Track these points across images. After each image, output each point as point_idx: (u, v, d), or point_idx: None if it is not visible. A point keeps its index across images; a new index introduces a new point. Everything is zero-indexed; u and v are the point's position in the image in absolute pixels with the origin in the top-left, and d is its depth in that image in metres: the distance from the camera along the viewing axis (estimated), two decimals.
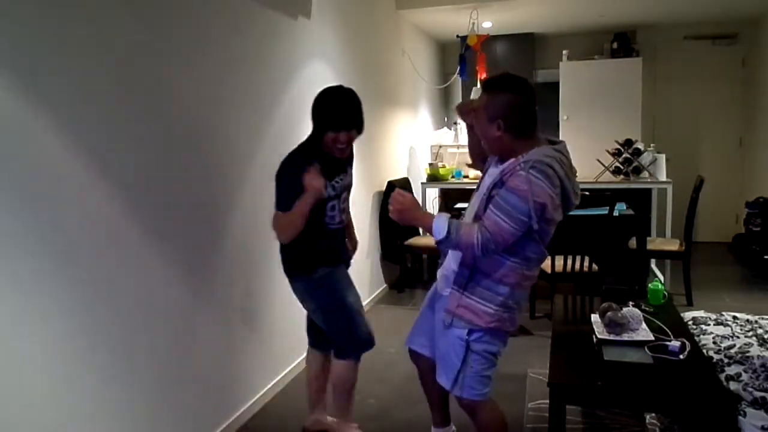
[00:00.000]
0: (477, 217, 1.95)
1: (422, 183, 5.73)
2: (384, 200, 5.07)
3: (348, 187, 2.54)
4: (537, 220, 1.85)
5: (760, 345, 2.34)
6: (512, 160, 1.92)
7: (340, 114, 2.31)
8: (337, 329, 2.48)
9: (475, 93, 5.97)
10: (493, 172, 2.01)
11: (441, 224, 1.89)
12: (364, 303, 4.56)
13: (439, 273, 2.21)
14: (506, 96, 1.93)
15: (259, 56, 3.12)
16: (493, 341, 2.05)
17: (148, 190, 2.27)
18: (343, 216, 2.52)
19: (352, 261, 2.71)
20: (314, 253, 2.41)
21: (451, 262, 2.12)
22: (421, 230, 5.74)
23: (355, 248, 2.77)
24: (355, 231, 2.78)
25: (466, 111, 2.24)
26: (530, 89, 1.97)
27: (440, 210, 2.87)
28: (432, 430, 2.51)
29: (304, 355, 3.53)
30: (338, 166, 2.44)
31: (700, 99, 6.84)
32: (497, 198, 1.87)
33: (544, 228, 1.94)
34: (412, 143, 6.04)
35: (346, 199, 2.54)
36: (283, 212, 2.29)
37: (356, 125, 2.36)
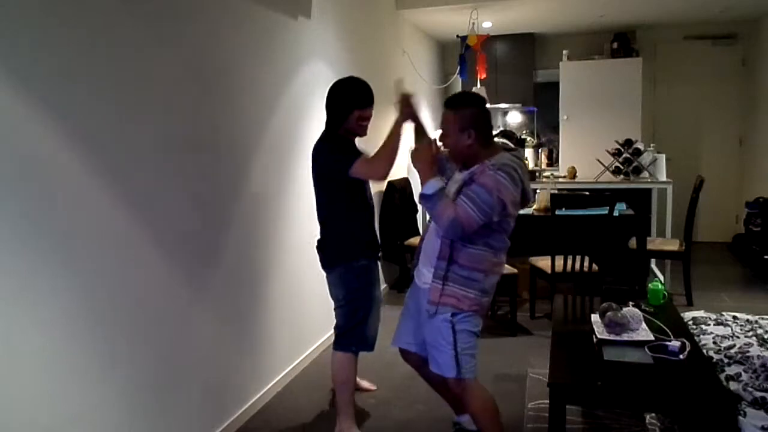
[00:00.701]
0: None
1: None
2: (384, 200, 5.07)
3: None
4: (498, 214, 2.14)
5: (760, 345, 2.34)
6: (478, 165, 2.19)
7: (364, 92, 2.57)
8: (351, 320, 2.63)
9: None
10: (459, 177, 2.26)
11: (435, 184, 2.18)
12: None
13: (415, 271, 2.43)
14: (472, 109, 2.24)
15: (259, 56, 3.12)
16: (475, 322, 2.28)
17: (147, 191, 2.27)
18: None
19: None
20: (358, 241, 2.60)
21: (426, 258, 2.33)
22: (420, 229, 5.74)
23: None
24: None
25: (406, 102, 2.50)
26: (485, 102, 2.36)
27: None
28: (455, 418, 2.71)
29: (304, 354, 3.55)
30: (357, 151, 2.61)
31: (700, 99, 6.84)
32: (467, 190, 2.13)
33: (506, 221, 2.24)
34: (412, 143, 6.02)
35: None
36: (360, 162, 2.48)
37: (373, 102, 2.61)
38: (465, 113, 2.22)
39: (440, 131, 2.29)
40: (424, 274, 2.31)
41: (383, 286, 5.17)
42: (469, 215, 2.09)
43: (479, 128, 2.21)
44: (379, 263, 2.73)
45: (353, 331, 2.64)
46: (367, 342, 2.67)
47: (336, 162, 2.51)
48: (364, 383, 3.18)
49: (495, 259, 2.27)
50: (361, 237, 2.62)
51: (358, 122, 2.56)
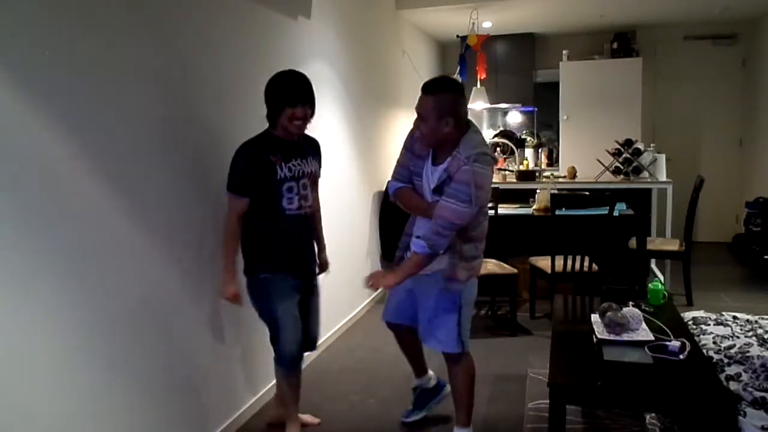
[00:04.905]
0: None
1: None
2: (384, 200, 5.07)
3: (310, 176, 2.56)
4: (482, 199, 2.26)
5: (760, 345, 2.34)
6: (450, 158, 2.23)
7: (295, 89, 2.39)
8: (270, 335, 2.56)
9: (476, 93, 5.98)
10: (435, 174, 2.31)
11: (419, 243, 2.26)
12: (363, 303, 4.61)
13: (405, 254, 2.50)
14: (450, 95, 2.23)
15: (259, 56, 3.11)
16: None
17: (147, 190, 2.27)
18: (306, 204, 2.53)
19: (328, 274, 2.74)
20: (265, 252, 2.48)
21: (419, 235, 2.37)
22: None
23: (324, 267, 2.81)
24: (331, 245, 2.72)
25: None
26: (463, 88, 2.35)
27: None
28: (414, 381, 2.87)
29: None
30: (296, 150, 2.51)
31: (700, 99, 6.84)
32: (449, 189, 2.20)
33: (484, 199, 2.32)
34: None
35: (308, 188, 2.54)
36: (233, 194, 2.44)
37: (310, 101, 2.44)
38: (443, 99, 2.21)
39: (419, 116, 2.27)
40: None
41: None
42: (460, 213, 2.18)
43: (457, 115, 2.23)
44: (291, 280, 2.53)
45: (273, 344, 2.56)
46: (281, 359, 2.55)
47: (229, 174, 2.46)
48: (306, 417, 2.85)
49: (485, 225, 2.43)
50: (270, 245, 2.49)
51: (291, 121, 2.41)
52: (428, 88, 2.25)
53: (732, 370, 2.18)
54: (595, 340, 2.37)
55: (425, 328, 2.47)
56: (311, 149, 2.63)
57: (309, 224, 2.59)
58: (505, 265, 4.13)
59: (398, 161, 2.51)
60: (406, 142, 2.48)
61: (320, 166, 2.68)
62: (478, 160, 2.17)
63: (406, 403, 3.02)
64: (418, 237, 2.32)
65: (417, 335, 2.58)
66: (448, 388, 2.73)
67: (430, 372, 2.88)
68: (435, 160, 2.35)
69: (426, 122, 2.24)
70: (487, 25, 6.15)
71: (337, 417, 2.95)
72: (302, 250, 2.57)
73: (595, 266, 4.03)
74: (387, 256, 5.17)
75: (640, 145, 5.62)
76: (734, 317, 2.74)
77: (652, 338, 2.32)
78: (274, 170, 2.42)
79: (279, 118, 2.42)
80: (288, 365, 2.56)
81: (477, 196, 2.17)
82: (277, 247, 2.49)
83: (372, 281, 2.41)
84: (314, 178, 2.59)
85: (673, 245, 4.66)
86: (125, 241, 2.16)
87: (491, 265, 4.08)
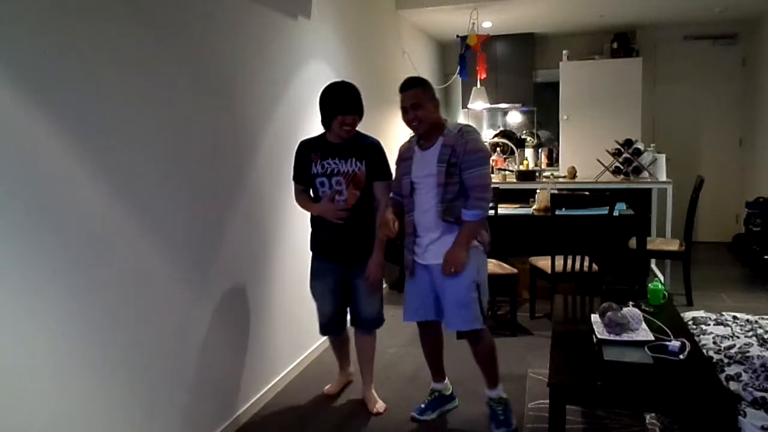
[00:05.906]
0: (438, 185, 2.55)
1: None
2: None
3: (346, 175, 2.77)
4: (488, 158, 2.64)
5: (760, 345, 2.34)
6: (441, 138, 2.58)
7: (346, 100, 2.72)
8: None
9: (476, 93, 5.99)
10: (429, 153, 2.60)
11: (472, 215, 2.54)
12: None
13: (421, 255, 2.77)
14: (429, 87, 2.63)
15: (259, 56, 3.12)
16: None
17: (147, 190, 2.27)
18: (339, 200, 2.78)
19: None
20: (311, 236, 2.95)
21: (428, 234, 2.70)
22: None
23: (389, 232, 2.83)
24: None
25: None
26: None
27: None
28: (433, 384, 2.98)
29: (305, 354, 3.56)
30: (338, 151, 2.78)
31: (700, 99, 6.84)
32: (467, 163, 2.52)
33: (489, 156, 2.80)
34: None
35: (343, 185, 2.77)
36: (294, 182, 2.95)
37: (359, 111, 2.77)
38: (427, 88, 2.62)
39: (414, 105, 2.56)
40: (432, 250, 2.68)
41: (383, 286, 5.15)
42: (483, 174, 2.55)
43: (437, 101, 2.66)
44: (325, 263, 2.89)
45: None
46: (319, 322, 3.01)
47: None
48: (374, 404, 3.01)
49: None
50: (314, 233, 2.94)
51: (341, 126, 2.72)
52: (412, 83, 2.61)
53: (732, 370, 2.18)
54: (595, 340, 2.37)
55: (452, 313, 2.63)
56: (361, 152, 2.78)
57: (343, 226, 2.80)
58: (505, 265, 4.13)
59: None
60: (396, 160, 2.79)
61: (371, 168, 2.79)
62: (469, 131, 2.58)
63: (406, 402, 3.03)
64: (451, 220, 2.58)
65: (440, 334, 2.88)
66: (457, 401, 2.97)
67: (447, 381, 3.00)
68: (423, 147, 2.66)
69: (423, 108, 2.57)
70: (487, 25, 6.15)
71: (337, 417, 2.95)
72: (335, 239, 2.83)
73: (595, 266, 4.03)
74: (387, 256, 5.15)
75: (640, 145, 5.62)
76: (734, 317, 2.74)
77: (652, 338, 2.33)
78: (310, 165, 2.80)
79: (332, 123, 2.72)
80: (321, 331, 3.04)
81: (487, 155, 2.61)
82: (315, 234, 2.93)
83: (453, 268, 2.55)
84: (351, 177, 2.77)
85: (673, 245, 4.66)
86: (128, 240, 2.16)
87: (491, 265, 4.07)
